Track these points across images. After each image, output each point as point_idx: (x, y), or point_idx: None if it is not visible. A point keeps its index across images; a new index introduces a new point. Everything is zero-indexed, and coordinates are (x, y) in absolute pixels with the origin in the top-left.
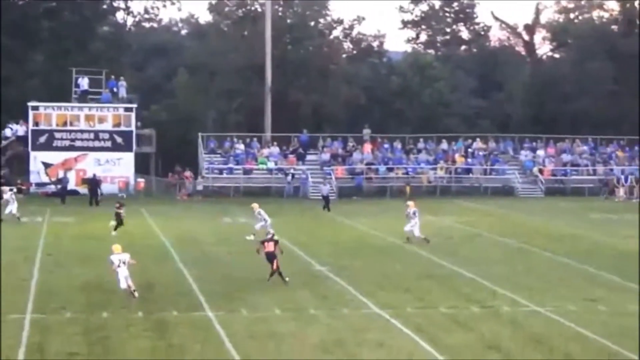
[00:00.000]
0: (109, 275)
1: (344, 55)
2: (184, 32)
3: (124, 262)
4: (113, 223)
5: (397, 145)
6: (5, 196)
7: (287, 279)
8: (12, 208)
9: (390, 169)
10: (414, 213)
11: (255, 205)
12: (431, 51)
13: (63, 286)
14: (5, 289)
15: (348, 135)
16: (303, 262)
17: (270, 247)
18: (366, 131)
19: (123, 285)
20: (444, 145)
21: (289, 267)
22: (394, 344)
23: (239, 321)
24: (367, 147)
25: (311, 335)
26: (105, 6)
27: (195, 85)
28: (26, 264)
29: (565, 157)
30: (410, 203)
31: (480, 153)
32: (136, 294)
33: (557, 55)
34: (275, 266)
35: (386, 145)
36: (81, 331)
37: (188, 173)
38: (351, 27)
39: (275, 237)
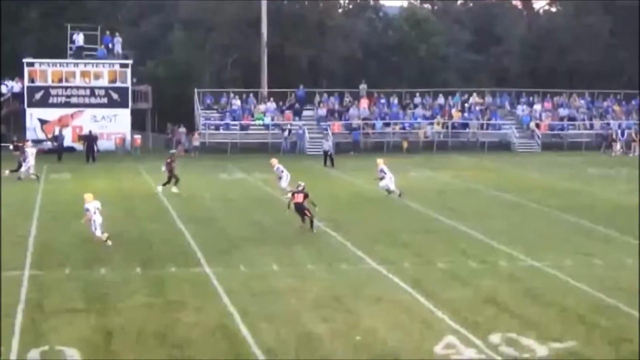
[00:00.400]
0: (106, 231)
1: (340, 10)
2: None
3: (98, 209)
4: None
5: (394, 100)
6: (29, 150)
7: (315, 230)
8: (28, 166)
9: (387, 124)
10: (381, 170)
11: (274, 161)
12: (427, 5)
13: (61, 243)
14: (3, 246)
15: (345, 91)
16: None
17: (299, 198)
18: (362, 86)
19: (99, 233)
20: (441, 100)
21: (287, 223)
22: (392, 299)
23: (237, 277)
24: (364, 102)
25: (309, 291)
26: None
27: (191, 41)
28: (24, 220)
29: (562, 112)
30: (380, 160)
31: (477, 108)
32: (109, 242)
33: (553, 9)
34: (304, 217)
35: (383, 101)
36: (80, 287)
37: (183, 129)
38: None
39: (306, 190)
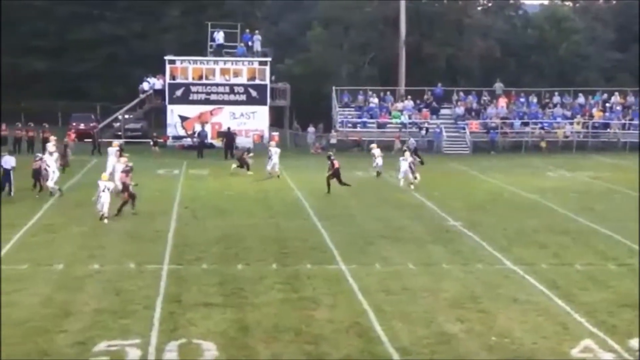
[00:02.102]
0: (243, 227)
1: (479, 8)
2: None
3: (108, 189)
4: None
5: (533, 99)
6: (273, 149)
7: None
8: (273, 164)
9: (525, 124)
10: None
11: (373, 146)
12: (568, 3)
13: (199, 238)
14: (144, 240)
15: (482, 89)
16: (436, 217)
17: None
18: (498, 85)
19: (100, 207)
20: (581, 99)
21: (423, 222)
22: (528, 300)
23: (372, 275)
24: (502, 101)
25: (444, 290)
26: None
27: (329, 39)
28: (163, 215)
29: None
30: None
31: (619, 107)
32: (106, 221)
33: None
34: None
35: (522, 100)
36: (217, 282)
37: (312, 128)
38: None
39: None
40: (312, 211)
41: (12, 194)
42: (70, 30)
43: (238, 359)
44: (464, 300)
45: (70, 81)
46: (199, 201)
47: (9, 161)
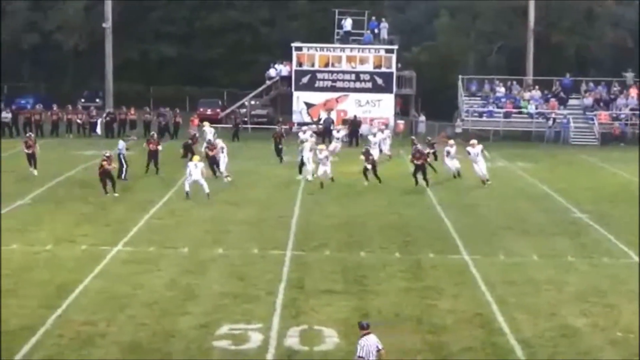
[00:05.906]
0: (366, 215)
1: None
2: None
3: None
4: None
5: None
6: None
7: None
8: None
9: None
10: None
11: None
12: None
13: (322, 225)
14: (267, 226)
15: (613, 80)
16: (562, 209)
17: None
18: (629, 75)
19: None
20: None
21: (548, 213)
22: None
23: (496, 265)
24: (633, 91)
25: (569, 283)
26: None
27: (457, 27)
28: (288, 202)
29: None
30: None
31: None
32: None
33: None
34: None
35: None
36: (339, 269)
37: (422, 118)
38: None
39: None
40: (436, 200)
41: (125, 177)
42: (198, 17)
43: None
44: (588, 294)
45: (198, 67)
46: (323, 188)
47: (120, 146)
